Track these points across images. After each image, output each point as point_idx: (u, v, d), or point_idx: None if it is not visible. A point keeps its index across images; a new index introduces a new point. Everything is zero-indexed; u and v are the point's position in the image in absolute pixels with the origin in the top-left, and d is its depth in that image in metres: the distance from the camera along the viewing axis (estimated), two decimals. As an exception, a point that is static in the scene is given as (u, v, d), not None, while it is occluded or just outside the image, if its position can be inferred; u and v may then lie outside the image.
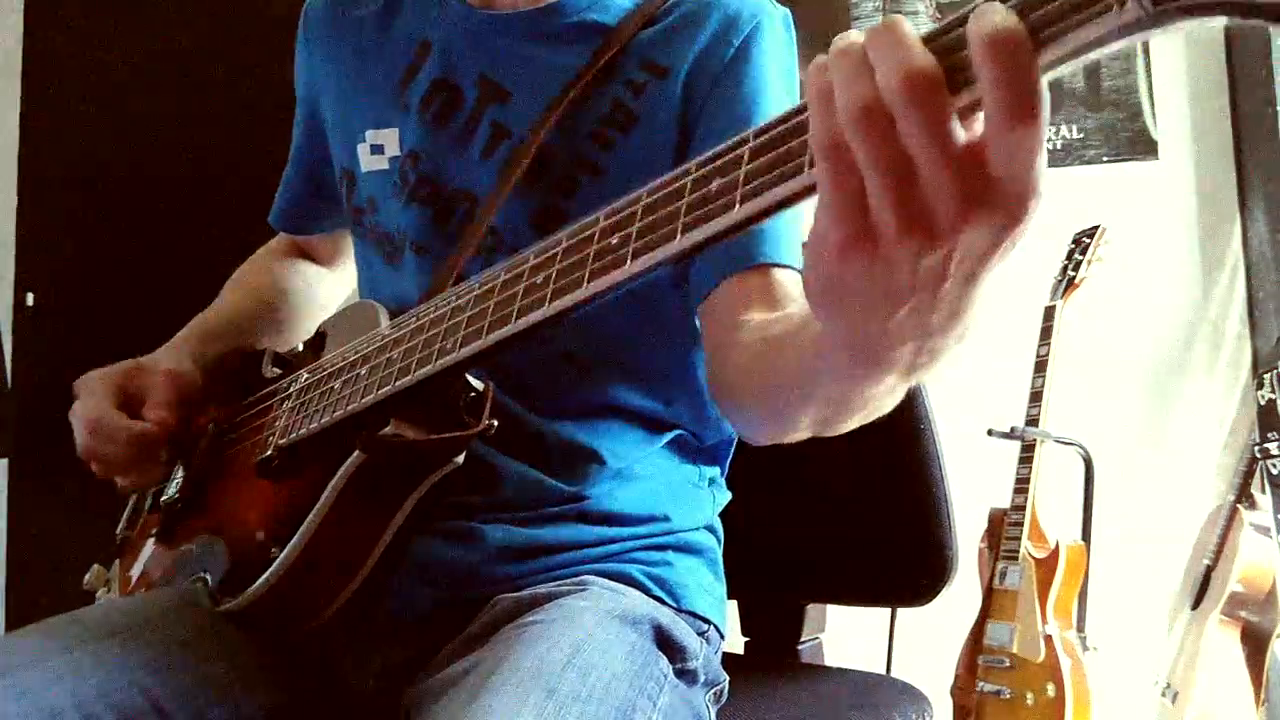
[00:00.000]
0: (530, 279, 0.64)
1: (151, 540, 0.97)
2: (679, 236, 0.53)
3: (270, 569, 0.78)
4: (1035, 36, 0.40)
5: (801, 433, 0.69)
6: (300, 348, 0.98)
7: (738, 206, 0.50)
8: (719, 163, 0.53)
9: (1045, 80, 0.41)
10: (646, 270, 0.56)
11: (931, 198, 0.43)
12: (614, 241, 0.58)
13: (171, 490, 0.96)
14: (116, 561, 1.04)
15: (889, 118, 0.42)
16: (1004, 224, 0.43)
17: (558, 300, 0.61)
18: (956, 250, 0.44)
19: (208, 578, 0.85)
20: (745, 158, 0.51)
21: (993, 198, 0.42)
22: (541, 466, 0.87)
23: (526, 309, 0.63)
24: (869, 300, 0.48)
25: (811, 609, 1.14)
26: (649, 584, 0.85)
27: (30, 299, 2.92)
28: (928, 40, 0.43)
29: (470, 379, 0.77)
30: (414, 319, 0.76)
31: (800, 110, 0.49)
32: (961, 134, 0.42)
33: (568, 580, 0.83)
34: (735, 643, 1.15)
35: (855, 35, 0.45)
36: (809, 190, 0.48)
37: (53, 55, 2.99)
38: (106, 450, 0.92)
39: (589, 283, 0.59)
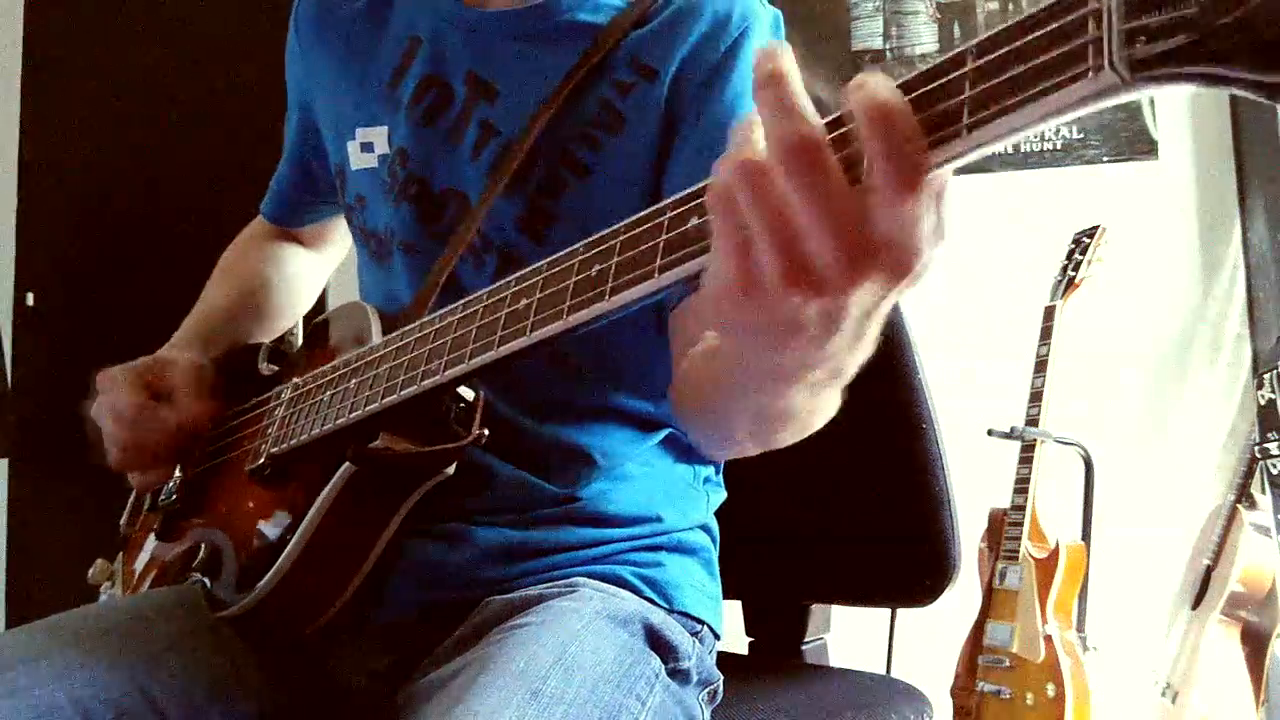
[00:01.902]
0: (512, 305, 0.65)
1: (152, 537, 0.98)
2: (657, 275, 0.54)
3: (264, 578, 0.79)
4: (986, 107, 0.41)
5: (741, 446, 0.69)
6: (299, 341, 0.98)
7: None
8: (697, 202, 0.53)
9: (950, 154, 0.41)
10: (626, 305, 0.57)
11: (813, 254, 0.44)
12: (594, 273, 0.59)
13: (169, 490, 0.96)
14: (120, 555, 1.04)
15: (769, 176, 0.44)
16: (888, 281, 0.44)
17: (538, 330, 0.62)
18: (847, 300, 0.45)
19: (206, 581, 0.85)
20: None
21: (876, 258, 0.43)
22: (532, 468, 0.87)
23: (508, 337, 0.64)
24: (762, 334, 0.49)
25: (816, 610, 1.14)
26: (640, 585, 0.85)
27: (30, 299, 2.92)
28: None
29: (460, 390, 0.77)
30: (400, 336, 0.77)
31: None
32: (844, 197, 0.43)
33: (558, 582, 0.83)
34: (740, 643, 1.15)
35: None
36: None
37: (53, 55, 2.99)
38: (146, 439, 0.93)
39: (569, 315, 0.60)
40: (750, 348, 0.52)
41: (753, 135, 0.45)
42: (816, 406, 0.58)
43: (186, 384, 0.95)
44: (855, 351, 0.51)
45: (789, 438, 0.64)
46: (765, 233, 0.44)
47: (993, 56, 0.41)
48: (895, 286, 0.45)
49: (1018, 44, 0.40)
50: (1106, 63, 0.37)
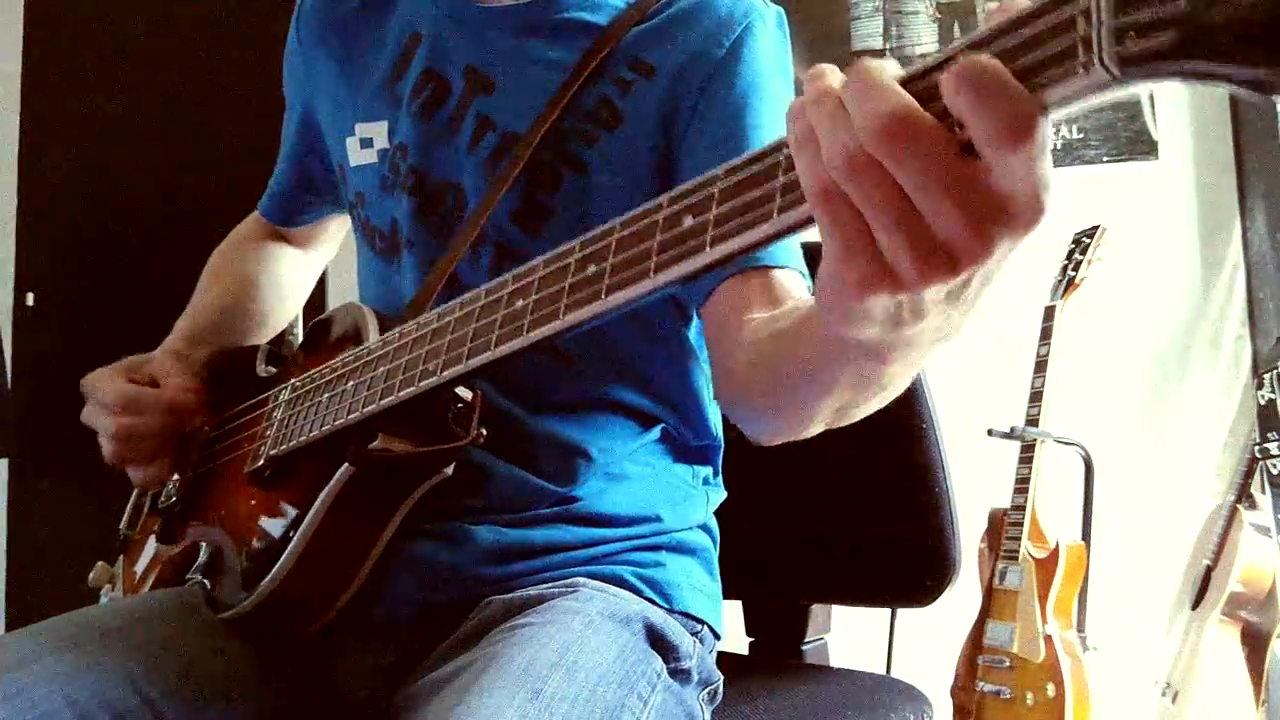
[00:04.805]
0: (509, 306, 0.65)
1: (153, 539, 0.98)
2: (652, 274, 0.54)
3: (265, 579, 0.79)
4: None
5: (817, 425, 0.67)
6: (297, 342, 0.98)
7: (709, 248, 0.51)
8: (691, 200, 0.52)
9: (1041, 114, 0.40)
10: (622, 305, 0.56)
11: (941, 230, 0.42)
12: (590, 274, 0.58)
13: (169, 492, 0.96)
14: (120, 558, 1.04)
15: (877, 163, 0.41)
16: (1021, 232, 0.42)
17: (535, 331, 0.62)
18: (983, 269, 0.44)
19: (206, 583, 0.85)
20: (716, 198, 0.51)
21: (1003, 215, 0.41)
22: (529, 466, 0.87)
23: (505, 337, 0.64)
24: (894, 321, 0.47)
25: (816, 610, 1.14)
26: (640, 586, 0.85)
27: (30, 299, 2.92)
28: (909, 81, 0.42)
29: (458, 389, 0.77)
30: (398, 336, 0.77)
31: (774, 149, 0.48)
32: (956, 163, 0.41)
33: (559, 582, 0.83)
34: (740, 643, 1.15)
35: (830, 77, 0.44)
36: (781, 234, 0.48)
37: (52, 57, 2.99)
38: (140, 422, 0.93)
39: (565, 315, 0.60)
40: (873, 334, 0.49)
41: (830, 125, 0.43)
42: (911, 370, 0.57)
43: (167, 369, 0.96)
44: (971, 315, 0.49)
45: (871, 409, 0.63)
46: (889, 223, 0.42)
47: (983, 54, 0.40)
48: (1025, 238, 0.43)
49: (1007, 42, 0.40)
50: (1096, 60, 0.37)
